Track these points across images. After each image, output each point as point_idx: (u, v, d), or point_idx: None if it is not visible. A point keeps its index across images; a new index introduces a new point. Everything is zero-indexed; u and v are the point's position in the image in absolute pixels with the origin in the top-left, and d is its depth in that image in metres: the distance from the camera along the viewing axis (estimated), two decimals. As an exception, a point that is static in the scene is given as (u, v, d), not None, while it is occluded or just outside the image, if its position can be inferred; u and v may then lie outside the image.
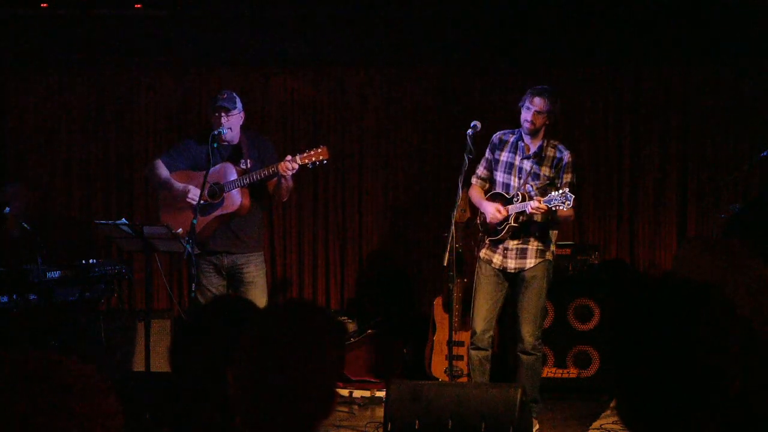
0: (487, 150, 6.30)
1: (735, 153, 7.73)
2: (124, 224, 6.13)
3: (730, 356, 1.65)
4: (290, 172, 6.09)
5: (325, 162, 6.22)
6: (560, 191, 5.93)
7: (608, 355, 1.75)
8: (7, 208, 6.73)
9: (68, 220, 8.18)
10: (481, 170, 6.32)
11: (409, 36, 7.89)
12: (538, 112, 6.05)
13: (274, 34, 7.88)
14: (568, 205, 5.89)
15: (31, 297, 6.43)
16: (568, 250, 7.30)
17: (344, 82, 8.16)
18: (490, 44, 7.88)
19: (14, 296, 6.38)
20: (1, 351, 1.46)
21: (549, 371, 7.13)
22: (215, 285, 6.35)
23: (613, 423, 6.07)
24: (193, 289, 6.19)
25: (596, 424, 6.22)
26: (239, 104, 6.32)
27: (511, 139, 6.21)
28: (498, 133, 6.29)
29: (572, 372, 7.14)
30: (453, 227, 6.03)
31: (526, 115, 6.08)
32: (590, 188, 7.93)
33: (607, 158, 7.97)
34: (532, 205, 5.93)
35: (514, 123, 6.23)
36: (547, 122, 6.10)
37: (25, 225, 6.63)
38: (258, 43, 7.95)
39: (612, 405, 6.40)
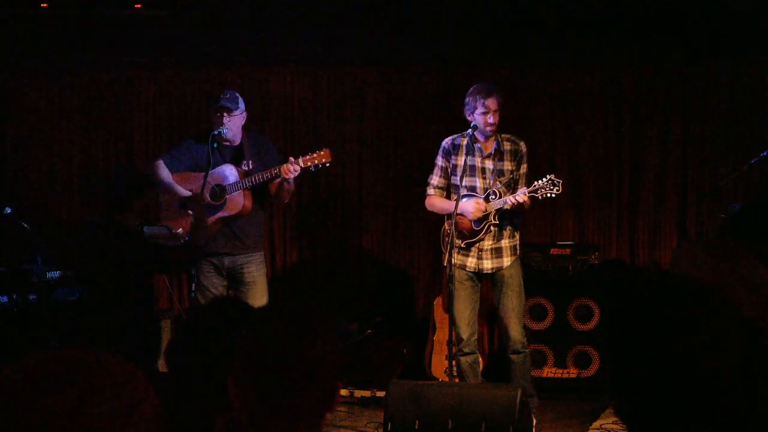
0: (440, 158, 6.24)
1: (735, 153, 7.73)
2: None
3: (730, 356, 1.65)
4: (292, 175, 6.01)
5: (327, 165, 6.14)
6: (546, 178, 5.93)
7: (607, 354, 1.75)
8: (8, 209, 6.71)
9: (68, 220, 8.17)
10: (436, 180, 6.27)
11: (409, 36, 7.88)
12: (495, 111, 6.04)
13: (274, 34, 7.87)
14: (558, 191, 5.90)
15: (31, 297, 6.43)
16: (568, 250, 7.29)
17: (344, 82, 8.15)
18: (490, 44, 7.87)
19: (14, 296, 6.37)
20: (48, 350, 1.46)
21: (549, 371, 7.13)
22: (215, 285, 6.31)
23: (613, 423, 6.08)
24: (193, 289, 6.17)
25: (596, 424, 6.23)
26: (242, 104, 6.25)
27: (465, 143, 6.13)
28: (447, 139, 6.24)
29: (572, 372, 7.14)
30: (453, 227, 6.02)
31: (486, 119, 6.03)
32: (590, 188, 7.93)
33: (607, 158, 7.96)
34: (519, 198, 5.93)
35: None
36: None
37: (24, 225, 6.62)
38: (258, 43, 7.95)
39: (612, 404, 6.40)
